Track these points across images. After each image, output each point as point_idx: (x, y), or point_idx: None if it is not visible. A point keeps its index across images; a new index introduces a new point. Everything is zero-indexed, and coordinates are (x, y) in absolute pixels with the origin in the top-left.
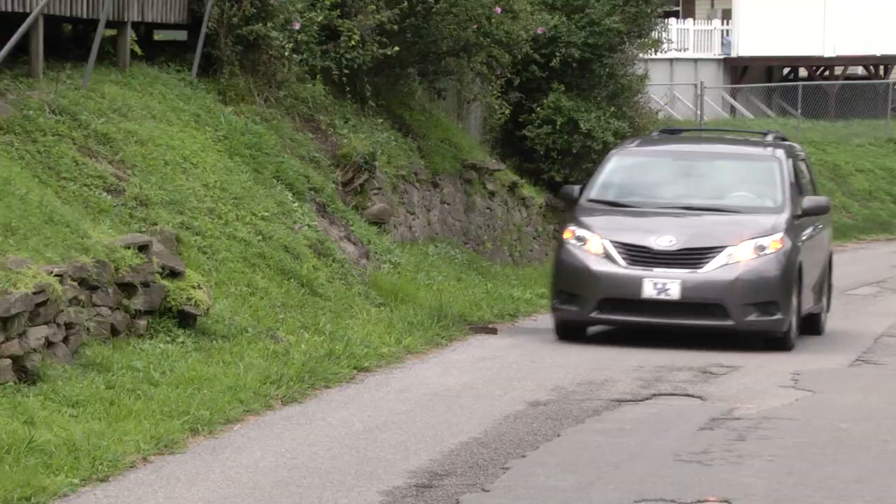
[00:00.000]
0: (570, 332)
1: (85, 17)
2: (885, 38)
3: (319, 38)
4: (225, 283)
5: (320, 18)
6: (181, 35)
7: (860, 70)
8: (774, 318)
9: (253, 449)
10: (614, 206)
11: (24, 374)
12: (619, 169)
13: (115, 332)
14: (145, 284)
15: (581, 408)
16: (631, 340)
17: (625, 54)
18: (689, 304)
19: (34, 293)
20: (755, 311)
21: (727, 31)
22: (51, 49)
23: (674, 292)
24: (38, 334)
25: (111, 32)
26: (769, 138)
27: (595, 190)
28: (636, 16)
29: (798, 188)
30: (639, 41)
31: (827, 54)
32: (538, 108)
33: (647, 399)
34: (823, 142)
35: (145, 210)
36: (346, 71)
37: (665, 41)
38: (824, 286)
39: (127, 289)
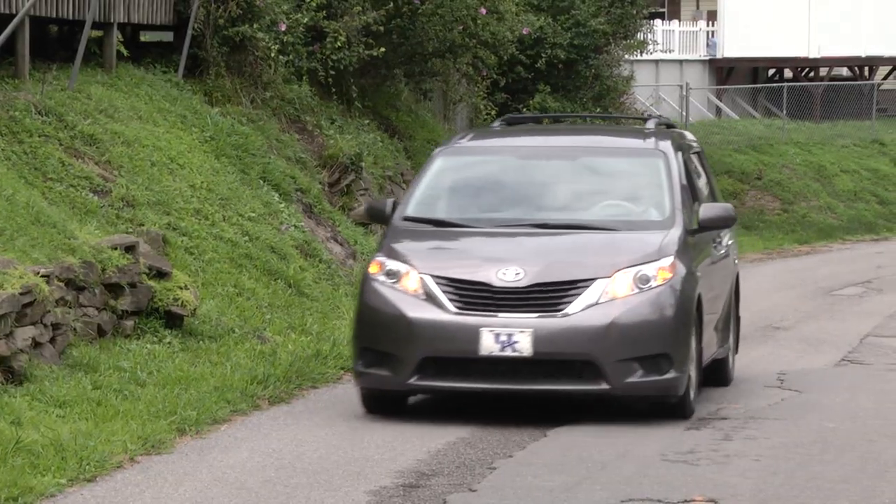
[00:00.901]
0: (382, 405)
1: (71, 18)
2: (870, 39)
3: (305, 40)
4: (212, 284)
5: (306, 20)
6: (167, 36)
7: (845, 71)
8: (666, 376)
9: (240, 449)
10: (440, 227)
11: (11, 374)
12: (447, 173)
13: (101, 332)
14: (132, 285)
15: (568, 407)
16: None
17: (610, 55)
18: (546, 361)
19: (21, 294)
20: (639, 369)
21: (712, 32)
22: (37, 50)
23: (524, 346)
24: (24, 335)
25: (97, 33)
26: (650, 125)
27: (413, 204)
28: (622, 17)
29: (692, 193)
30: (624, 42)
31: (812, 55)
32: (524, 109)
33: None
34: (809, 143)
35: (132, 211)
36: (332, 72)
37: (650, 42)
38: (731, 321)
39: (114, 289)
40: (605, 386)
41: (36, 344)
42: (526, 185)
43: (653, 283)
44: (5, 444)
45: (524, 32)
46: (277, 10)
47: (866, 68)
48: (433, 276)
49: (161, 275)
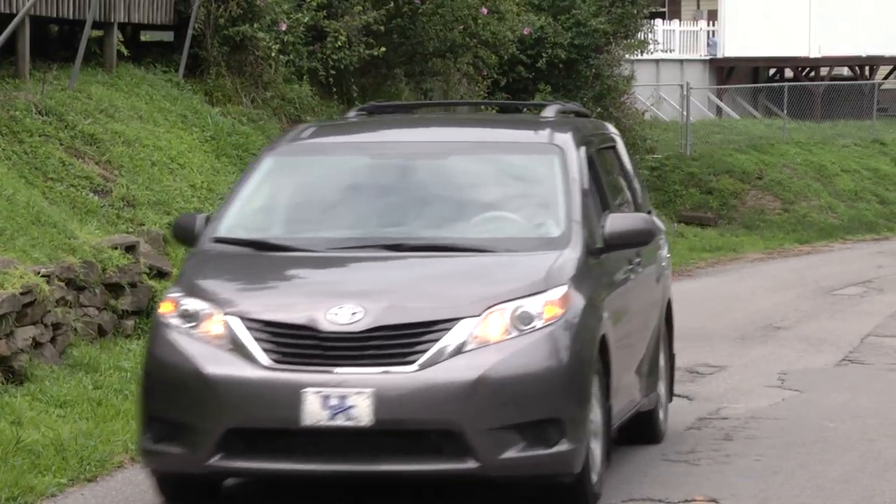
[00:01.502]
0: (185, 493)
1: (71, 17)
2: (871, 39)
3: (306, 39)
4: None
5: (307, 19)
6: (168, 36)
7: (846, 71)
8: (555, 449)
9: None
10: (261, 250)
11: (12, 374)
12: (277, 179)
13: (102, 332)
14: (132, 285)
15: None
16: None
17: (611, 55)
18: (393, 432)
19: (21, 293)
20: (518, 441)
21: (713, 31)
22: (37, 50)
23: (362, 413)
24: (25, 335)
25: (98, 33)
26: (549, 113)
27: (228, 221)
28: (622, 17)
29: (601, 199)
30: (625, 42)
31: (812, 55)
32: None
33: None
34: (809, 142)
35: (132, 210)
36: (332, 72)
37: (651, 42)
38: (660, 361)
39: (114, 289)
40: (472, 464)
41: (36, 344)
42: (378, 194)
43: (537, 323)
44: (6, 444)
45: (525, 32)
46: (278, 10)
47: (867, 68)
48: (243, 319)
49: (161, 274)
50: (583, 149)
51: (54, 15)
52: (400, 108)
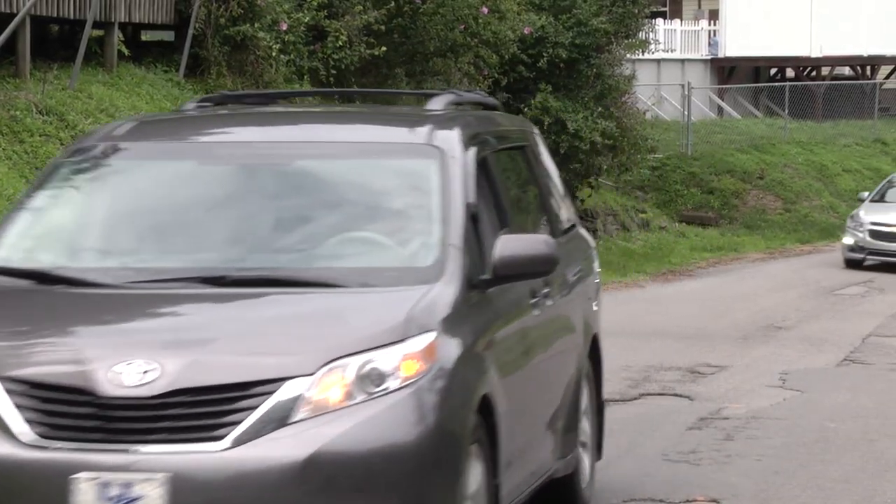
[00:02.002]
0: None
1: (72, 17)
2: (872, 39)
3: (306, 39)
4: None
5: (307, 19)
6: (168, 36)
7: (847, 70)
8: None
9: None
10: (39, 282)
11: None
12: (71, 191)
13: None
14: None
15: None
16: (618, 340)
17: (612, 55)
18: None
19: None
20: None
21: (714, 31)
22: (38, 50)
23: None
24: None
25: (98, 33)
26: (436, 104)
27: (3, 244)
28: (623, 16)
29: (497, 215)
30: (626, 42)
31: (814, 55)
32: (525, 109)
33: (635, 399)
34: (810, 142)
35: None
36: (333, 71)
37: (652, 42)
38: (581, 413)
39: None
40: None
41: None
42: (202, 211)
43: (391, 384)
44: None
45: (526, 32)
46: (278, 10)
47: (868, 67)
48: (2, 379)
49: None
50: (472, 150)
51: (55, 15)
52: (258, 97)
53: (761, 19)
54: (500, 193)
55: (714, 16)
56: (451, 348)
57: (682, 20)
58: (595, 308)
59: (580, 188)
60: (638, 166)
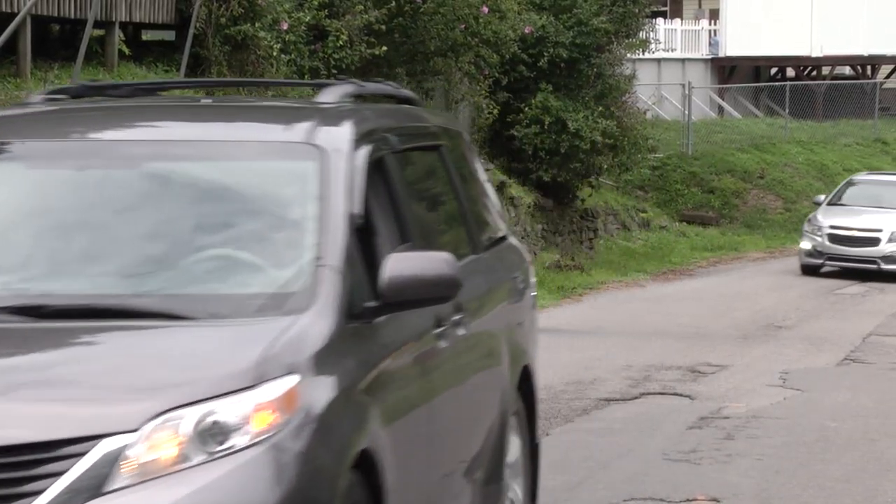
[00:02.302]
0: None
1: (72, 17)
2: (873, 38)
3: (307, 39)
4: None
5: (308, 18)
6: (169, 35)
7: (847, 70)
8: None
9: None
10: None
11: None
12: None
13: None
14: None
15: (570, 407)
16: (619, 339)
17: (612, 54)
18: None
19: None
20: None
21: (715, 31)
22: (38, 49)
23: None
24: None
25: (99, 32)
26: (329, 96)
27: None
28: (624, 16)
29: (398, 229)
30: (626, 41)
31: (814, 54)
32: (526, 108)
33: (635, 398)
34: (811, 142)
35: None
36: (334, 71)
37: (652, 41)
38: (505, 459)
39: None
40: None
41: None
42: (26, 224)
43: (238, 441)
44: None
45: (526, 31)
46: (279, 9)
47: (869, 67)
48: None
49: None
50: (365, 150)
51: (55, 14)
52: (124, 88)
53: (762, 19)
54: (402, 202)
55: (714, 15)
56: (321, 393)
57: (682, 20)
58: (527, 333)
59: (580, 188)
60: (638, 166)
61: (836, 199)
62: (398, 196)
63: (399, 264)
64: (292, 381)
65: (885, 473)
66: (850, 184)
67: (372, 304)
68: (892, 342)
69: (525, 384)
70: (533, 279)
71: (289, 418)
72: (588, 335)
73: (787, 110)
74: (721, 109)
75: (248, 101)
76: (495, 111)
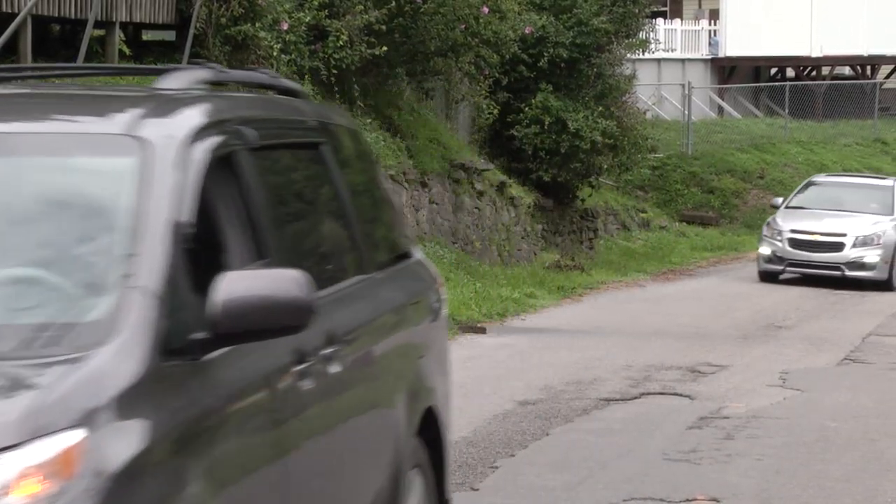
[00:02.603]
0: None
1: (73, 17)
2: (872, 38)
3: (307, 39)
4: None
5: (308, 19)
6: (169, 35)
7: (847, 70)
8: None
9: None
10: None
11: None
12: None
13: None
14: None
15: (570, 407)
16: (619, 339)
17: (612, 54)
18: None
19: None
20: None
21: (714, 31)
22: (39, 49)
23: None
24: None
25: (99, 33)
26: (175, 81)
27: None
28: (624, 16)
29: (252, 242)
30: (626, 41)
31: (814, 54)
32: (526, 108)
33: (635, 398)
34: (811, 141)
35: None
36: (334, 71)
37: (652, 41)
38: None
39: None
40: None
41: None
42: None
43: None
44: None
45: (526, 31)
46: (279, 9)
47: (868, 67)
48: None
49: None
50: (207, 145)
51: (56, 14)
52: None
53: (762, 19)
54: (259, 209)
55: (714, 15)
56: (118, 452)
57: (682, 20)
58: (434, 367)
59: (580, 188)
60: (638, 166)
61: (795, 202)
62: (254, 202)
63: (235, 285)
64: (75, 436)
65: (885, 473)
66: (809, 186)
67: (201, 335)
68: (892, 342)
69: (430, 429)
70: (443, 302)
71: (65, 486)
72: (588, 335)
73: (786, 110)
74: (721, 109)
75: (75, 89)
76: (495, 111)
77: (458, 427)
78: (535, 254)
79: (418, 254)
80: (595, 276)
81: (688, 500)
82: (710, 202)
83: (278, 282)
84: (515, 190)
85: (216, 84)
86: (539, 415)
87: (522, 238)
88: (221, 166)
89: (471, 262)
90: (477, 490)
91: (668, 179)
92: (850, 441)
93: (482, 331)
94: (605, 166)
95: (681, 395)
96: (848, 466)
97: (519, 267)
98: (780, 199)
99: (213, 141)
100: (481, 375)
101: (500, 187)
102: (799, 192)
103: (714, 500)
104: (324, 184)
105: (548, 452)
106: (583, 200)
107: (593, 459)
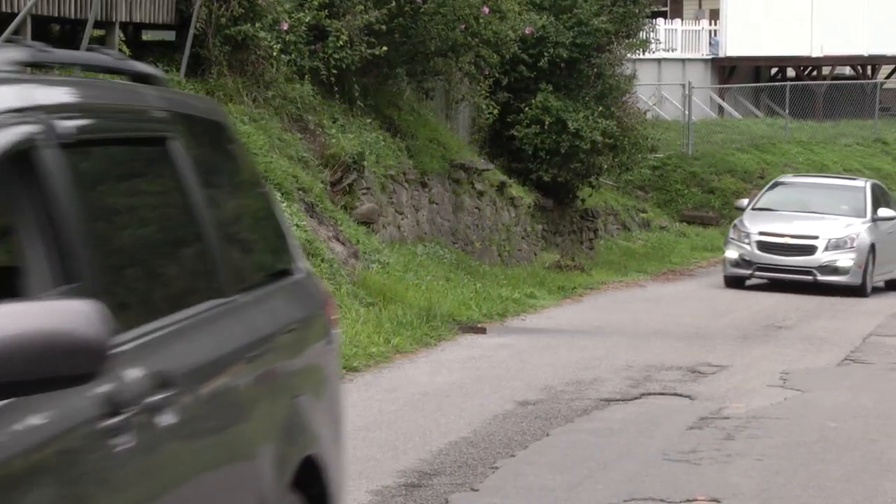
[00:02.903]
0: None
1: (73, 17)
2: (873, 38)
3: (307, 39)
4: None
5: (308, 19)
6: (169, 35)
7: (847, 70)
8: None
9: None
10: None
11: None
12: None
13: None
14: None
15: (570, 407)
16: (619, 339)
17: (613, 54)
18: None
19: None
20: None
21: (715, 31)
22: None
23: None
24: None
25: (99, 33)
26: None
27: None
28: (624, 16)
29: (59, 261)
30: (627, 41)
31: (814, 54)
32: (526, 108)
33: (635, 398)
34: (811, 141)
35: None
36: (334, 71)
37: (653, 41)
38: None
39: None
40: None
41: None
42: None
43: None
44: None
45: (526, 31)
46: (279, 9)
47: (869, 67)
48: None
49: None
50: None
51: (56, 14)
52: None
53: (762, 19)
54: (69, 221)
55: (715, 15)
56: None
57: (682, 20)
58: (318, 406)
59: (581, 188)
60: (638, 166)
61: (762, 203)
62: (62, 211)
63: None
64: None
65: (885, 473)
66: (777, 186)
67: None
68: (892, 342)
69: (312, 483)
70: (333, 328)
71: None
72: (588, 335)
73: (787, 110)
74: (721, 109)
75: None
76: (495, 111)
77: (458, 427)
78: (536, 254)
79: (301, 271)
80: (595, 277)
81: (688, 500)
82: (710, 202)
83: (59, 316)
84: (515, 190)
85: (38, 67)
86: (539, 415)
87: (522, 238)
88: (18, 165)
89: (471, 262)
90: (477, 490)
91: (669, 179)
92: (851, 441)
93: (482, 331)
94: (606, 166)
95: (681, 395)
96: (848, 466)
97: (519, 267)
98: (745, 201)
99: (8, 133)
100: (481, 375)
101: (501, 187)
102: (766, 192)
103: (714, 500)
104: (169, 188)
105: (548, 453)
106: (583, 200)
107: (593, 460)
